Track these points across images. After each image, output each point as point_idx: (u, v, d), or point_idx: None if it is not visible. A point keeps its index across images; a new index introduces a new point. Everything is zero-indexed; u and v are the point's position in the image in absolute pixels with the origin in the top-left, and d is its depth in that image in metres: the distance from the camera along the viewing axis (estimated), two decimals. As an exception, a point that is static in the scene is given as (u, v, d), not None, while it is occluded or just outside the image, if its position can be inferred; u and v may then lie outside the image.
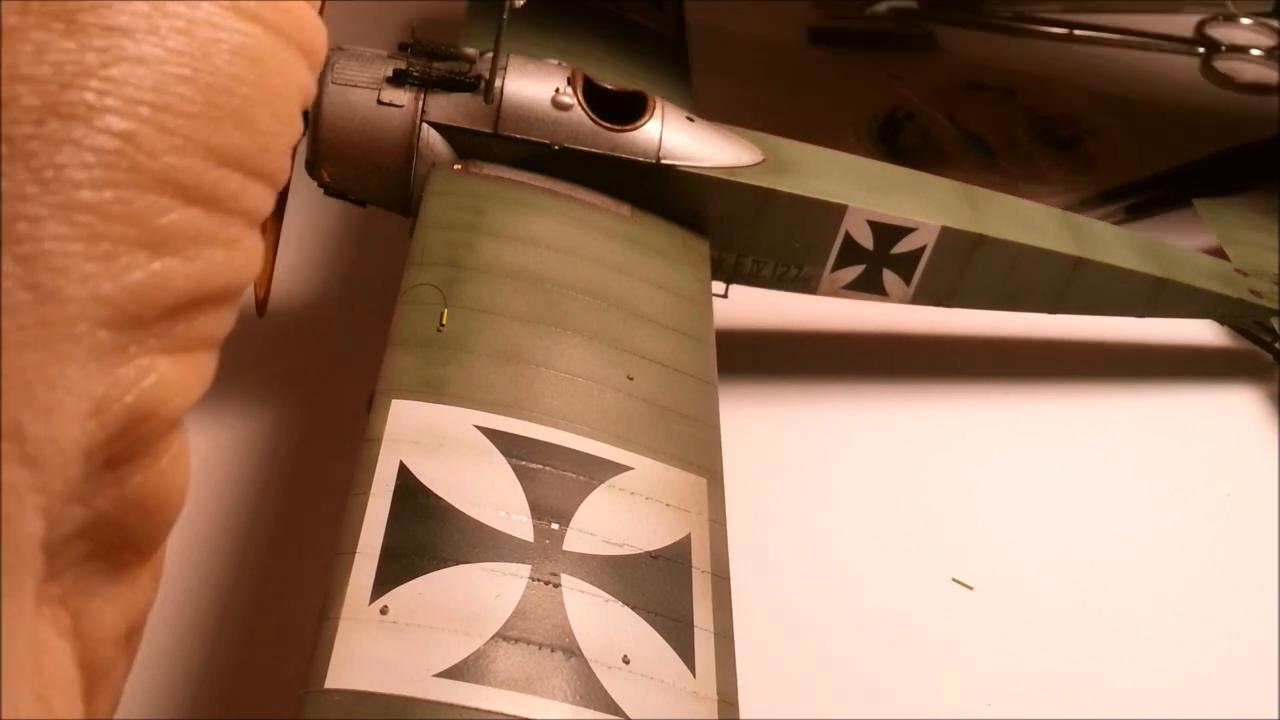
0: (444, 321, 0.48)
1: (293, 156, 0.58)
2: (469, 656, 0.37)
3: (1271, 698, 0.56)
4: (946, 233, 0.63)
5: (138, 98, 0.23)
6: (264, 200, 0.26)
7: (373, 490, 0.41)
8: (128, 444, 0.23)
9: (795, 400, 0.70)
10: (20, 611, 0.22)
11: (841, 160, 0.68)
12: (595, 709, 0.37)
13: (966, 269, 0.64)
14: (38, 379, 0.21)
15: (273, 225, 0.57)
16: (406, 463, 0.42)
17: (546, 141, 0.57)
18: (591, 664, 0.38)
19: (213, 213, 0.24)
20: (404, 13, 0.91)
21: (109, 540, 0.24)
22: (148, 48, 0.23)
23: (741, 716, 0.40)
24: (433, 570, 0.39)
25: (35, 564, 0.22)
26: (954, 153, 0.90)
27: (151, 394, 0.23)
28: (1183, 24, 1.07)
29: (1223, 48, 1.04)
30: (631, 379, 0.49)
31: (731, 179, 0.60)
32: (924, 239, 0.63)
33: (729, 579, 0.44)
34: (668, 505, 0.45)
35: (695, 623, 0.41)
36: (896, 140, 0.90)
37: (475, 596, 0.39)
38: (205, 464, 0.61)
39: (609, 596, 0.41)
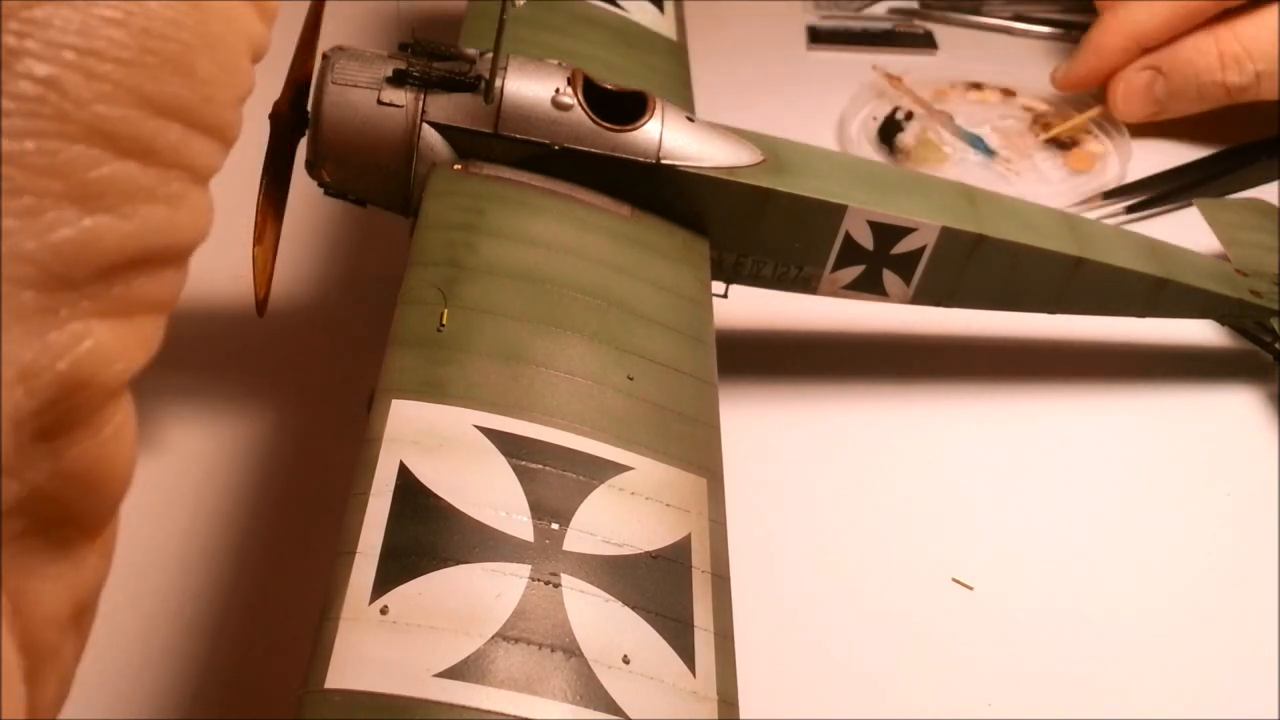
0: (444, 321, 0.48)
1: (291, 160, 0.59)
2: (469, 656, 0.37)
3: (1271, 697, 0.56)
4: (946, 233, 0.63)
5: (62, 41, 0.21)
6: (210, 155, 0.24)
7: (373, 490, 0.41)
8: (62, 414, 0.22)
9: (795, 400, 0.70)
10: None
11: (841, 160, 0.68)
12: (595, 709, 0.37)
13: (966, 269, 0.64)
14: None
15: (272, 226, 0.57)
16: (407, 463, 0.42)
17: (546, 142, 0.57)
18: (591, 664, 0.38)
19: (150, 166, 0.23)
20: (404, 13, 0.91)
21: (48, 516, 0.23)
22: None
23: (742, 716, 0.40)
24: (433, 570, 0.39)
25: None
26: (953, 153, 0.90)
27: (87, 360, 0.22)
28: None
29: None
30: (632, 379, 0.49)
31: (731, 179, 0.60)
32: (924, 239, 0.63)
33: (729, 579, 0.44)
34: (668, 505, 0.45)
35: (695, 623, 0.41)
36: (896, 140, 0.90)
37: (475, 596, 0.39)
38: (205, 464, 0.62)
39: (609, 596, 0.41)
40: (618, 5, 0.76)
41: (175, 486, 0.60)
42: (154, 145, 0.23)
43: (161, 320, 0.25)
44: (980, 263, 0.64)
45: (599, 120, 0.58)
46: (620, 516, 0.43)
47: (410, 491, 0.41)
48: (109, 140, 0.22)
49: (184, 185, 0.24)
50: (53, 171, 0.21)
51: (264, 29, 0.26)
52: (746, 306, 0.65)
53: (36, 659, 0.24)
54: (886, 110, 0.93)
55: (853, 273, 0.64)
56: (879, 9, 1.08)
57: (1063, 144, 0.92)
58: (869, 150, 0.90)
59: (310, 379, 0.67)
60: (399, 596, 0.38)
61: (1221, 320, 0.75)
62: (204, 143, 0.24)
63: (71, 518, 0.24)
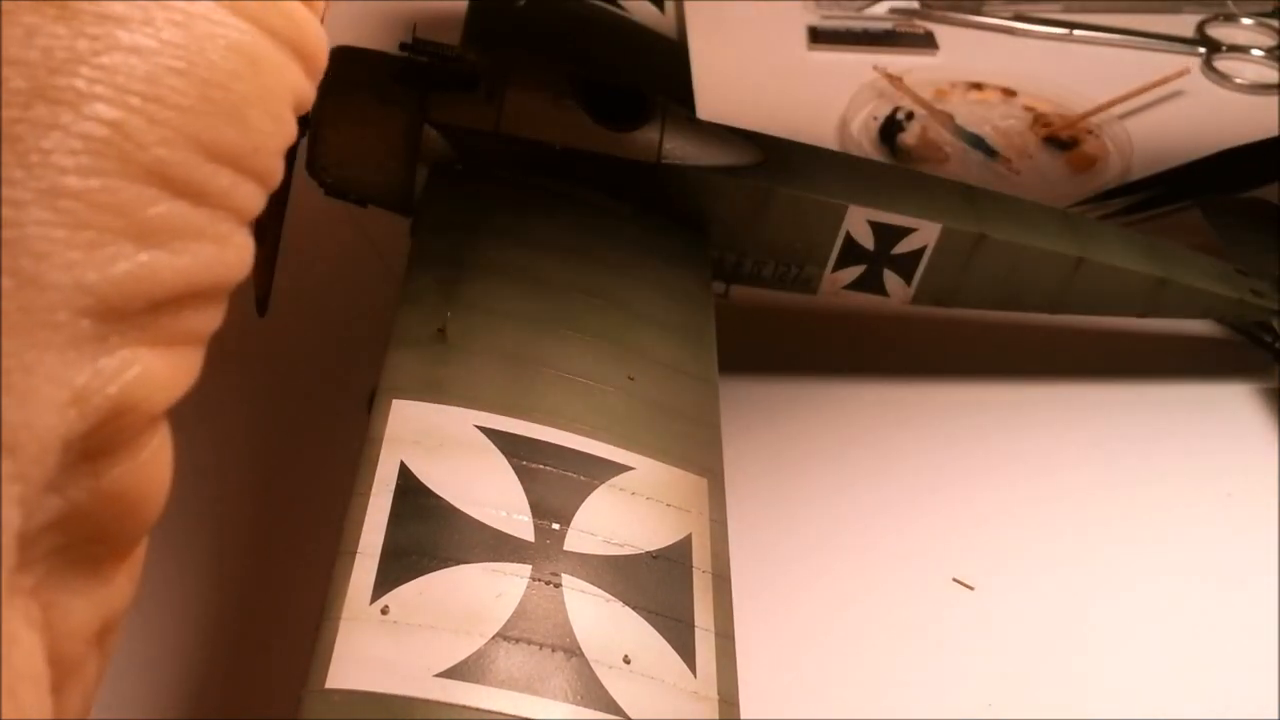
0: (444, 329, 0.48)
1: (291, 160, 0.59)
2: (470, 656, 0.37)
3: (1271, 698, 0.56)
4: (947, 232, 0.63)
5: (129, 87, 0.22)
6: (255, 199, 0.26)
7: (374, 490, 0.41)
8: (107, 436, 0.23)
9: (795, 400, 0.70)
10: None
11: (842, 160, 0.68)
12: (596, 709, 0.37)
13: (967, 269, 0.64)
14: (15, 365, 0.21)
15: (273, 225, 0.57)
16: (407, 463, 0.42)
17: (548, 142, 0.57)
18: (592, 664, 0.38)
19: (202, 207, 0.24)
20: (404, 13, 0.91)
21: (84, 534, 0.24)
22: (142, 38, 0.23)
23: (742, 717, 0.40)
24: (434, 570, 0.39)
25: (9, 553, 0.21)
26: (954, 153, 0.90)
27: (134, 386, 0.23)
28: (1183, 23, 1.07)
29: (1223, 48, 1.04)
30: (632, 379, 0.49)
31: (732, 179, 0.60)
32: (925, 239, 0.63)
33: (730, 579, 0.44)
34: (669, 505, 0.45)
35: (696, 623, 0.41)
36: (897, 140, 0.90)
37: (476, 596, 0.39)
38: (204, 462, 0.61)
39: (610, 596, 0.41)
40: (618, 5, 0.76)
41: (174, 486, 0.60)
42: (206, 188, 0.24)
43: (201, 351, 0.26)
44: (981, 262, 0.64)
45: (600, 120, 0.58)
46: (621, 516, 0.43)
47: (411, 491, 0.41)
48: (166, 181, 0.23)
49: (231, 226, 0.25)
50: (114, 209, 0.22)
51: (309, 84, 0.28)
52: (747, 306, 0.65)
53: (63, 672, 0.24)
54: (887, 110, 0.93)
55: (853, 273, 0.64)
56: (880, 9, 1.08)
57: (1063, 144, 0.92)
58: (870, 150, 0.90)
59: (311, 378, 0.67)
60: (400, 596, 0.38)
61: (1222, 320, 0.75)
62: (251, 187, 0.26)
63: (105, 537, 0.24)
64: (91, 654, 0.26)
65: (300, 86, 0.27)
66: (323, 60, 0.28)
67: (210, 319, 0.26)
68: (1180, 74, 0.98)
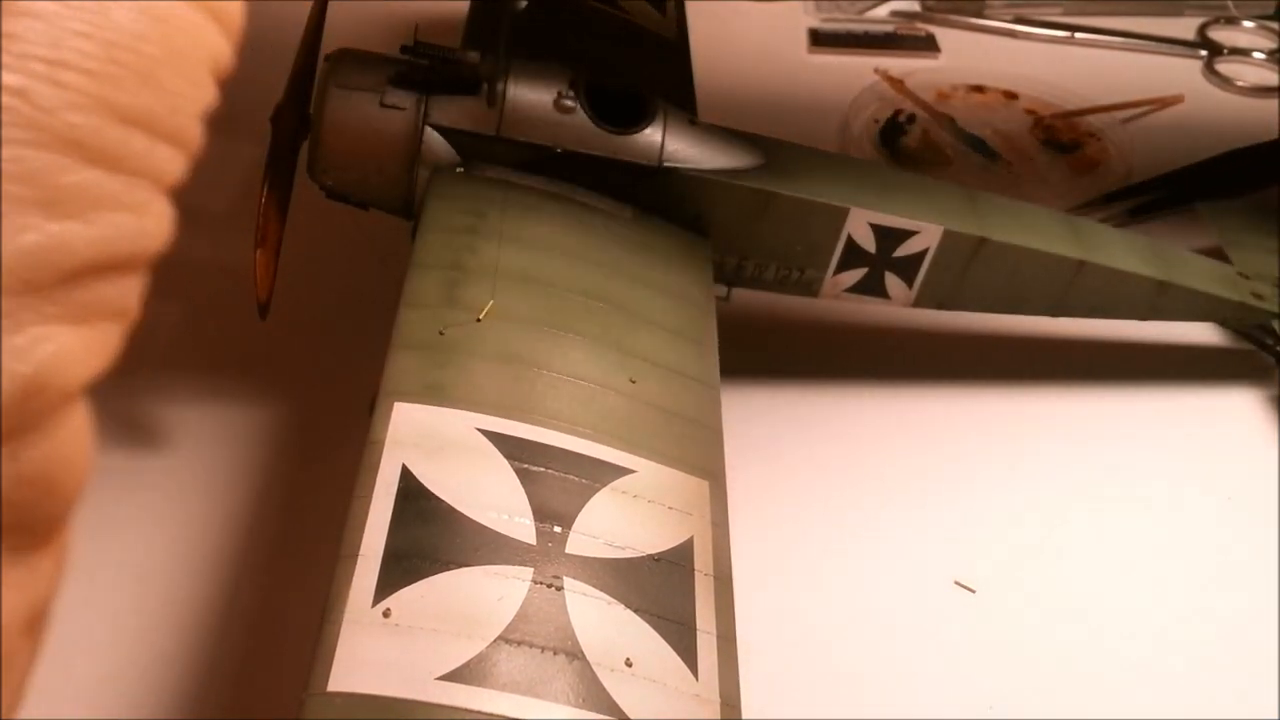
0: (482, 317, 0.48)
1: (292, 164, 0.59)
2: (471, 659, 0.37)
3: (1271, 699, 0.56)
4: (949, 235, 0.63)
5: (31, 53, 0.22)
6: (173, 164, 0.25)
7: (375, 493, 0.41)
8: (21, 417, 0.22)
9: (797, 403, 0.69)
10: None
11: (843, 163, 0.69)
12: (597, 712, 0.37)
13: (969, 272, 0.64)
14: None
15: (274, 228, 0.57)
16: (409, 465, 0.42)
17: (549, 144, 0.57)
18: (594, 667, 0.38)
19: (117, 174, 0.23)
20: (405, 15, 0.91)
21: (5, 520, 0.23)
22: (41, 2, 0.22)
23: (744, 718, 0.40)
24: (435, 573, 0.39)
25: None
26: (956, 155, 0.90)
27: (48, 364, 0.22)
28: (1184, 26, 1.07)
29: (1224, 51, 1.04)
30: (634, 382, 0.49)
31: (734, 182, 0.60)
32: (926, 241, 0.63)
33: (731, 581, 0.44)
34: (670, 508, 0.45)
35: (697, 626, 0.41)
36: (898, 143, 0.90)
37: (477, 599, 0.39)
38: (207, 466, 0.62)
39: (611, 599, 0.41)
40: (618, 6, 0.76)
41: (177, 489, 0.60)
42: (120, 153, 0.23)
43: (121, 329, 0.25)
44: (982, 265, 0.64)
45: (601, 123, 0.58)
46: (622, 519, 0.43)
47: (412, 494, 0.41)
48: (77, 148, 0.23)
49: (148, 193, 0.24)
50: (21, 178, 0.22)
51: (226, 44, 0.27)
52: (748, 309, 0.65)
53: None
54: (889, 113, 0.93)
55: (855, 275, 0.64)
56: (881, 12, 1.08)
57: (1065, 146, 0.92)
58: (871, 153, 0.90)
59: (312, 382, 0.67)
60: (401, 599, 0.38)
61: (1224, 324, 0.75)
62: (168, 150, 0.25)
63: (26, 523, 0.24)
64: (22, 645, 0.25)
65: (216, 46, 0.26)
66: (238, 19, 0.27)
67: (129, 292, 0.25)
68: (1176, 100, 0.98)
